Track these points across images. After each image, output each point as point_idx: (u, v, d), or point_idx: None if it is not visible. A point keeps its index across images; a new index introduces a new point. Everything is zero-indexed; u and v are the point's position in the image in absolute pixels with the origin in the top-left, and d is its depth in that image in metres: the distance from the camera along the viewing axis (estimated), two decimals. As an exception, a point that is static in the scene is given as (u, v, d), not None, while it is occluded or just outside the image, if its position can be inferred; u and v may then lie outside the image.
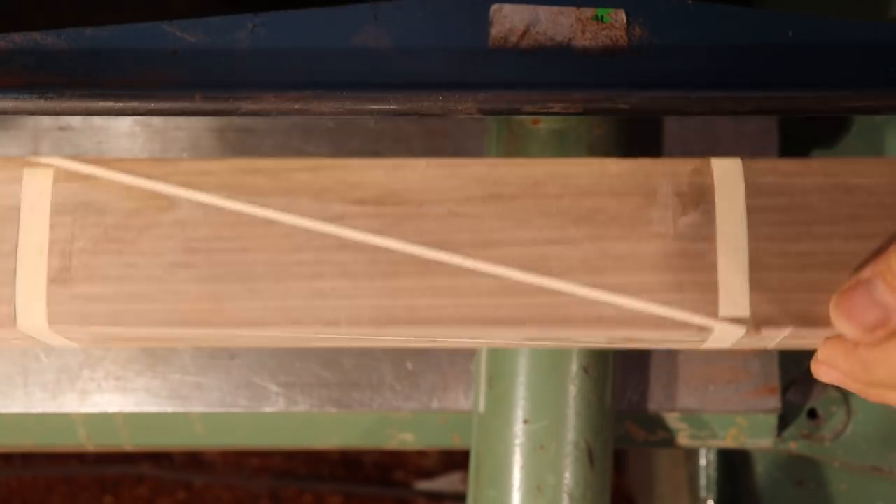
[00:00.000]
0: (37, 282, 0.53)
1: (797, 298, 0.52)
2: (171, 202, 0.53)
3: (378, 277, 0.53)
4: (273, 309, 0.53)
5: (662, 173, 0.53)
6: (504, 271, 0.53)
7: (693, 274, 0.53)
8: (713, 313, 0.52)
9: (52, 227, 0.54)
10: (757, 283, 0.52)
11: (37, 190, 0.54)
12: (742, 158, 0.53)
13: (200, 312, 0.53)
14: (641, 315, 0.53)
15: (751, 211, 0.53)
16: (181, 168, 0.54)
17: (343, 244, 0.53)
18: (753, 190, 0.53)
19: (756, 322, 0.52)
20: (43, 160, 0.54)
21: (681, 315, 0.52)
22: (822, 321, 0.53)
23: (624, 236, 0.53)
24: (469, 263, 0.53)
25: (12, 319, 0.53)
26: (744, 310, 0.52)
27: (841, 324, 0.50)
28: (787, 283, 0.52)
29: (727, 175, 0.53)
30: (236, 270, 0.53)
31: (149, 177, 0.54)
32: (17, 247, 0.53)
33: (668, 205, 0.53)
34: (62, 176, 0.54)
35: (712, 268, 0.53)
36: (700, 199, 0.53)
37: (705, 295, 0.52)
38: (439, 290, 0.53)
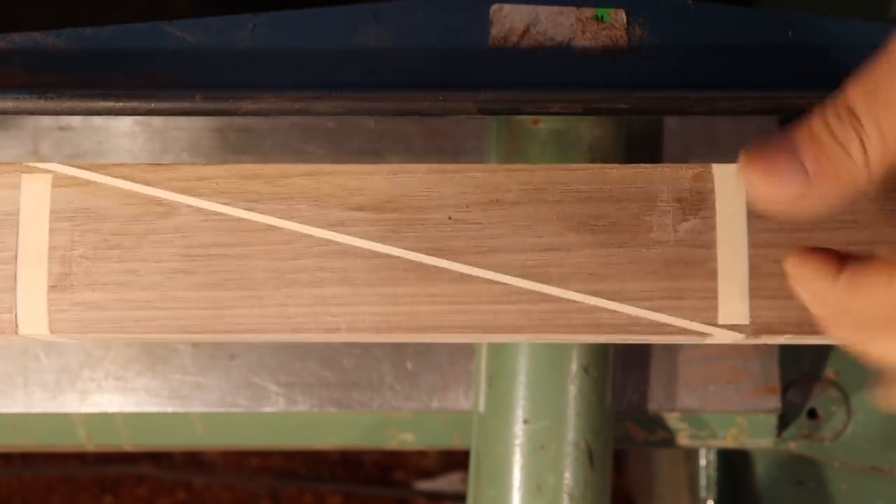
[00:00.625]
0: (37, 289, 0.53)
1: (797, 305, 0.52)
2: (170, 208, 0.53)
3: (378, 284, 0.53)
4: (273, 316, 0.53)
5: (662, 179, 0.53)
6: (504, 278, 0.53)
7: (693, 281, 0.53)
8: (712, 320, 0.52)
9: (51, 233, 0.53)
10: (756, 290, 0.52)
11: (35, 196, 0.54)
12: None
13: (201, 319, 0.53)
14: (640, 322, 0.53)
15: (752, 217, 0.52)
16: (180, 174, 0.54)
17: (343, 251, 0.53)
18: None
19: (755, 330, 0.52)
20: (41, 166, 0.54)
21: (680, 322, 0.52)
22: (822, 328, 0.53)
23: (624, 243, 0.53)
24: (469, 270, 0.53)
25: (14, 326, 0.53)
26: (743, 317, 0.52)
27: (755, 180, 0.46)
28: (787, 289, 0.52)
29: (728, 181, 0.53)
30: (236, 277, 0.53)
31: (148, 183, 0.54)
32: (16, 253, 0.53)
33: (668, 211, 0.53)
34: (61, 182, 0.54)
35: (712, 275, 0.53)
36: (700, 205, 0.53)
37: (704, 302, 0.52)
38: (439, 297, 0.53)
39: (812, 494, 0.87)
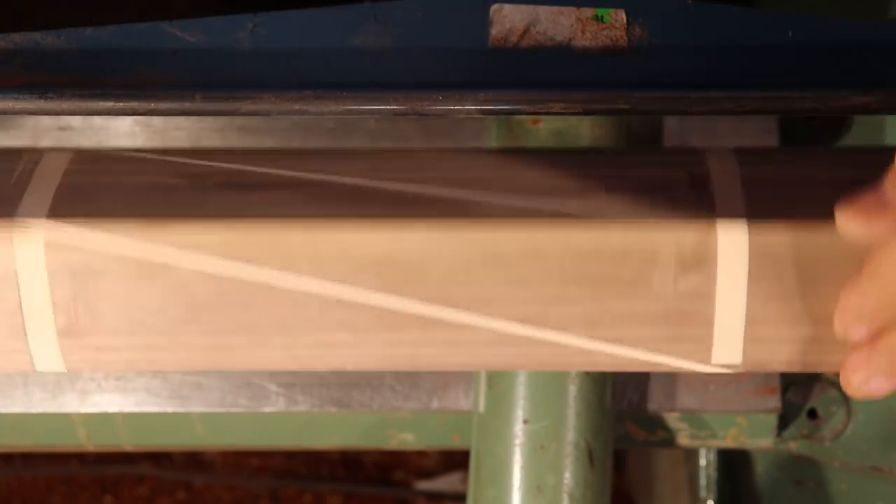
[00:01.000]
0: (47, 336, 0.53)
1: (790, 349, 0.52)
2: (168, 265, 0.53)
3: (382, 331, 0.53)
4: (280, 357, 0.54)
5: (665, 241, 0.52)
6: (504, 325, 0.53)
7: (689, 328, 0.53)
8: (706, 361, 0.53)
9: (52, 288, 0.53)
10: (751, 335, 0.52)
11: (30, 256, 0.53)
12: (749, 221, 0.52)
13: (210, 360, 0.53)
14: (636, 362, 0.53)
15: (753, 277, 0.52)
16: (177, 230, 0.52)
17: (345, 303, 0.53)
18: (758, 256, 0.52)
19: (747, 367, 0.53)
20: (32, 226, 0.53)
21: (674, 362, 0.52)
22: (814, 366, 0.53)
23: (624, 296, 0.52)
24: (469, 319, 0.53)
25: (31, 365, 0.53)
26: (736, 357, 0.53)
27: (846, 223, 0.50)
28: (782, 334, 0.52)
29: (732, 241, 0.52)
30: (242, 325, 0.53)
31: (144, 240, 0.52)
32: (20, 306, 0.53)
33: (669, 265, 0.52)
34: (53, 242, 0.53)
35: (709, 323, 0.53)
36: (702, 263, 0.52)
37: (699, 345, 0.53)
38: (440, 342, 0.53)
39: (812, 494, 0.87)
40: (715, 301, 0.52)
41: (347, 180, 0.54)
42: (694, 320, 0.53)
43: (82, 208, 0.53)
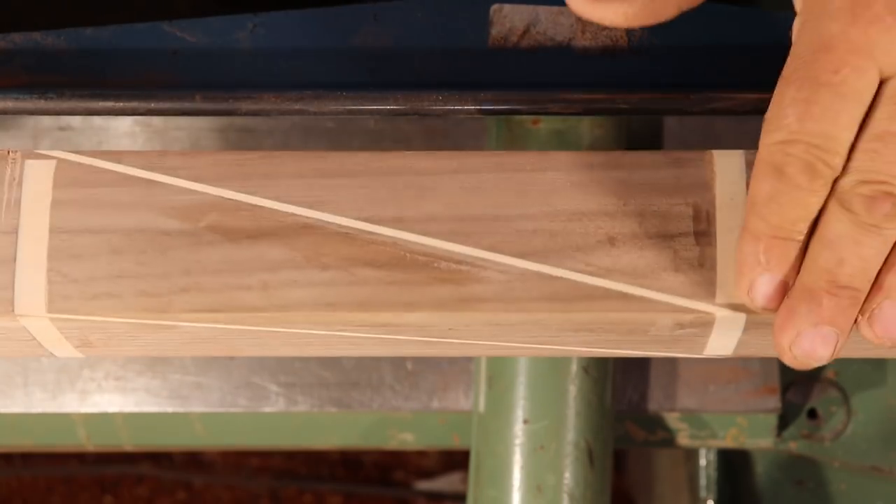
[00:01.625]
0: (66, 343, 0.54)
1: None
2: (170, 326, 0.52)
3: (388, 345, 0.54)
4: (283, 351, 0.55)
5: (663, 317, 0.52)
6: (504, 349, 0.56)
7: (682, 347, 0.54)
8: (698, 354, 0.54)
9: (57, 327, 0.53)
10: (744, 341, 0.53)
11: (41, 328, 0.53)
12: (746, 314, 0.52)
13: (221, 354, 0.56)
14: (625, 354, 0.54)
15: (748, 328, 0.52)
16: (179, 311, 0.51)
17: (349, 339, 0.53)
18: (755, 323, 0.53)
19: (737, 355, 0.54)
20: (33, 315, 0.51)
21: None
22: None
23: (621, 340, 0.54)
24: (471, 349, 0.56)
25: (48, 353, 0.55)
26: (727, 350, 0.54)
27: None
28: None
29: (731, 319, 0.52)
30: (251, 344, 0.54)
31: (148, 316, 0.52)
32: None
33: (667, 325, 0.52)
34: (55, 307, 0.52)
35: (702, 347, 0.54)
36: (700, 324, 0.52)
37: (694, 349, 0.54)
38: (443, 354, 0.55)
39: (812, 494, 0.87)
40: (709, 338, 0.53)
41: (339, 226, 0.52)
42: (688, 345, 0.54)
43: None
